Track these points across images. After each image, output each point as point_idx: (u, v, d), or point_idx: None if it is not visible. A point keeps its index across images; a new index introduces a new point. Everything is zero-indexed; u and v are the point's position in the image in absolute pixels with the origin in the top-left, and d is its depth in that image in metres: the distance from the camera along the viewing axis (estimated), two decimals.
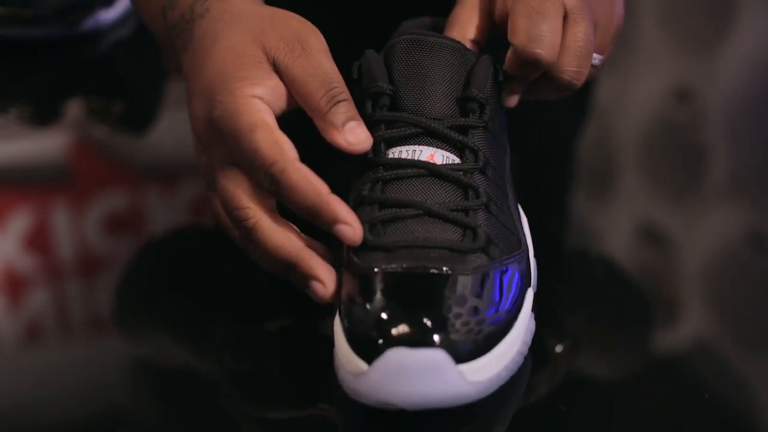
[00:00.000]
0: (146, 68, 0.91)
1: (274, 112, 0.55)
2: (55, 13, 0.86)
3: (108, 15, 0.90)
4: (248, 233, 0.54)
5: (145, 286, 0.66)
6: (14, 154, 0.80)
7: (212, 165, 0.56)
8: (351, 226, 0.52)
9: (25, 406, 0.56)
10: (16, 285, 0.66)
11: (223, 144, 0.55)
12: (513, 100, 0.59)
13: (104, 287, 0.67)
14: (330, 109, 0.54)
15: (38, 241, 0.69)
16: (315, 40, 0.56)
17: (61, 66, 0.88)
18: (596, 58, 0.60)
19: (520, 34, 0.56)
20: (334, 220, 0.52)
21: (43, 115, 0.85)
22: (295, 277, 0.54)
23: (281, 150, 0.53)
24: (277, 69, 0.55)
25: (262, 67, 0.55)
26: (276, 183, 0.52)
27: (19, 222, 0.71)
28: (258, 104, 0.54)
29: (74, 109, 0.85)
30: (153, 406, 0.57)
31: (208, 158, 0.56)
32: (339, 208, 0.52)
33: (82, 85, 0.88)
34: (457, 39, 0.58)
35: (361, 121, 0.55)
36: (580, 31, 0.57)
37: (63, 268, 0.68)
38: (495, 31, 0.61)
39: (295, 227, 0.55)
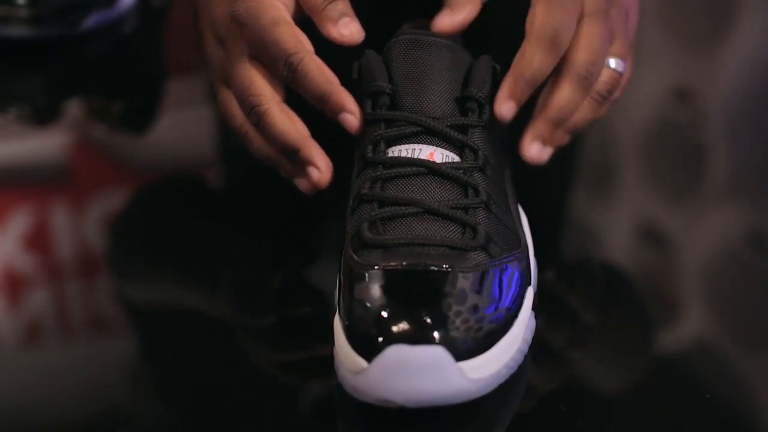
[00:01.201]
0: (146, 68, 0.91)
1: (290, 14, 0.60)
2: (55, 13, 0.86)
3: (108, 15, 0.90)
4: (259, 118, 0.59)
5: (145, 286, 0.66)
6: (14, 154, 0.80)
7: (230, 58, 0.61)
8: (354, 116, 0.57)
9: (25, 406, 0.56)
10: (16, 285, 0.66)
11: (243, 39, 0.59)
12: (510, 109, 0.58)
13: (104, 287, 0.67)
14: (326, 6, 0.59)
15: (38, 241, 0.69)
16: None
17: (61, 66, 0.88)
18: (619, 64, 0.61)
19: (539, 16, 0.57)
20: (341, 108, 0.57)
21: (43, 115, 0.85)
22: (293, 164, 0.59)
23: (300, 42, 0.58)
24: None
25: None
26: (294, 71, 0.58)
27: (19, 222, 0.71)
28: (278, 4, 0.59)
29: (74, 109, 0.85)
30: (153, 406, 0.57)
31: (225, 53, 0.61)
32: (347, 99, 0.57)
33: (82, 85, 0.88)
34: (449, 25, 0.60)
35: (355, 17, 0.59)
36: (594, 30, 0.58)
37: (63, 268, 0.68)
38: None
39: (299, 119, 0.59)
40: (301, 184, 0.60)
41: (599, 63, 0.59)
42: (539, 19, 0.57)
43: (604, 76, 0.60)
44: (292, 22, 0.59)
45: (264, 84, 0.59)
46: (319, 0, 0.59)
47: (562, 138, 0.61)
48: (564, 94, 0.58)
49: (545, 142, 0.60)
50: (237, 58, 0.60)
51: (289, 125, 0.59)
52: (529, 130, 0.59)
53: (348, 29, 0.59)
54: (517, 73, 0.57)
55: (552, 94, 0.59)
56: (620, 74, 0.61)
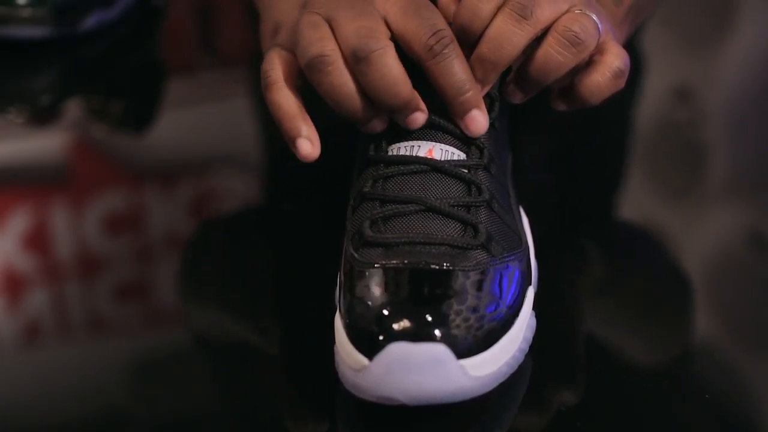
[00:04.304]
0: (146, 68, 0.91)
1: None
2: (55, 13, 0.86)
3: (108, 15, 0.90)
4: (368, 55, 0.54)
5: (145, 287, 0.66)
6: (14, 154, 0.80)
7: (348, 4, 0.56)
8: (484, 116, 0.55)
9: (25, 406, 0.56)
10: (16, 285, 0.66)
11: None
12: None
13: (103, 287, 0.67)
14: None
15: (37, 241, 0.69)
16: None
17: (61, 66, 0.88)
18: (587, 14, 0.57)
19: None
20: (474, 105, 0.55)
21: (43, 115, 0.85)
22: (389, 113, 0.55)
23: (446, 23, 0.55)
24: None
25: None
26: (436, 54, 0.54)
27: (19, 222, 0.71)
28: None
29: (74, 109, 0.86)
30: (153, 406, 0.57)
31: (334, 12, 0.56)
32: (480, 96, 0.55)
33: (82, 85, 0.88)
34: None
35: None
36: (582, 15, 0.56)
37: (62, 268, 0.68)
38: None
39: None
40: (375, 127, 0.56)
41: (588, 35, 0.55)
42: None
43: (566, 19, 0.56)
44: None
45: (383, 27, 0.55)
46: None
47: (524, 89, 0.58)
48: (495, 23, 0.55)
49: (478, 80, 0.56)
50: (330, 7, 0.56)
51: (403, 74, 0.54)
52: None
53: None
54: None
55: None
56: (588, 17, 0.56)
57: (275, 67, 0.58)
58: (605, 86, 0.58)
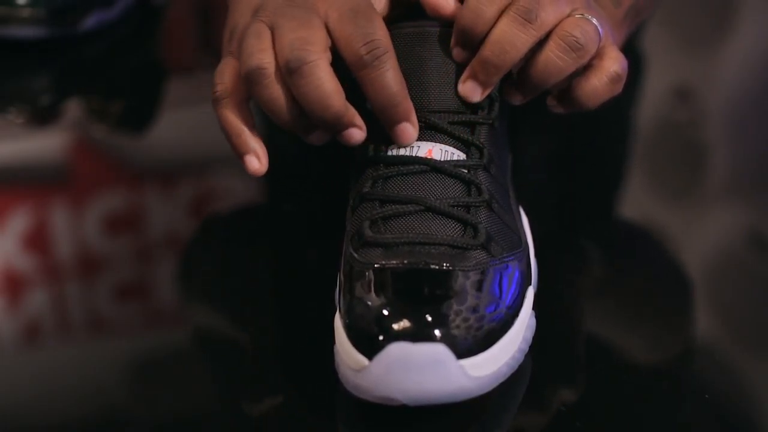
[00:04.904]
0: (146, 68, 0.91)
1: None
2: (55, 13, 0.86)
3: (108, 15, 0.90)
4: (298, 67, 0.53)
5: (144, 287, 0.66)
6: (14, 154, 0.80)
7: (287, 10, 0.55)
8: (414, 128, 0.55)
9: (25, 406, 0.56)
10: (16, 285, 0.66)
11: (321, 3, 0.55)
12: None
13: (103, 287, 0.67)
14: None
15: (37, 240, 0.69)
16: None
17: (61, 66, 0.88)
18: (586, 17, 0.57)
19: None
20: (405, 117, 0.54)
21: (43, 115, 0.85)
22: (327, 127, 0.55)
23: (388, 38, 0.54)
24: None
25: None
26: (374, 57, 0.53)
27: (19, 222, 0.71)
28: None
29: (73, 109, 0.86)
30: (152, 407, 0.57)
31: (264, 15, 0.56)
32: (412, 110, 0.54)
33: (82, 85, 0.88)
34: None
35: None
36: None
37: (62, 268, 0.68)
38: None
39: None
40: (315, 138, 0.57)
41: (588, 39, 0.55)
42: None
43: (568, 23, 0.55)
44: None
45: (321, 37, 0.54)
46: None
47: (531, 90, 0.58)
48: (499, 26, 0.55)
49: (480, 82, 0.56)
50: (304, 8, 0.55)
51: (335, 86, 0.53)
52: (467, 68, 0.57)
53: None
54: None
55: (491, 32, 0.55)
56: (589, 22, 0.56)
57: (224, 79, 0.57)
58: (602, 91, 0.58)
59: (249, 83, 0.55)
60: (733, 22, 0.99)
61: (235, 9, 0.60)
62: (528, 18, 0.54)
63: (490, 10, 0.55)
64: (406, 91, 0.54)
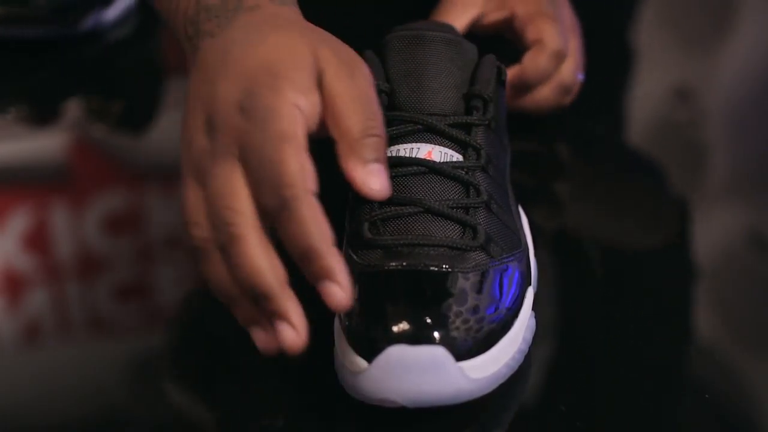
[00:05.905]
0: (146, 68, 0.91)
1: (307, 129, 0.49)
2: (54, 12, 0.86)
3: (108, 15, 0.90)
4: (230, 240, 0.47)
5: (144, 287, 0.66)
6: (14, 154, 0.80)
7: (215, 153, 0.49)
8: (342, 289, 0.46)
9: (25, 406, 0.56)
10: (16, 285, 0.66)
11: (244, 135, 0.48)
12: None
13: (103, 287, 0.67)
14: (362, 138, 0.49)
15: (37, 240, 0.69)
16: (365, 71, 0.51)
17: (61, 66, 0.88)
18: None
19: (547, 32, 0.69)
20: (327, 275, 0.46)
21: (43, 115, 0.85)
22: (256, 311, 0.48)
23: (303, 176, 0.47)
24: (321, 83, 0.50)
25: (311, 76, 0.49)
26: (283, 208, 0.46)
27: (19, 222, 0.71)
28: (297, 114, 0.48)
29: (73, 109, 0.85)
30: (152, 407, 0.57)
31: (211, 144, 0.49)
32: (337, 265, 0.46)
33: (82, 85, 0.88)
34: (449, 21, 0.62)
35: (387, 167, 0.50)
36: (577, 46, 0.73)
37: (62, 268, 0.68)
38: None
39: (278, 257, 0.48)
40: (259, 338, 0.49)
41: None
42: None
43: (568, 73, 0.72)
44: (303, 144, 0.48)
45: (248, 201, 0.47)
46: (356, 127, 0.49)
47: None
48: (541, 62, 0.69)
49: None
50: (224, 155, 0.48)
51: (266, 263, 0.47)
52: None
53: (377, 180, 0.49)
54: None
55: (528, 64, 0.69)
56: (580, 67, 0.73)
57: (199, 218, 0.49)
58: (553, 101, 0.71)
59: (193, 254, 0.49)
60: (733, 22, 0.99)
61: (188, 111, 0.52)
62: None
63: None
64: (330, 243, 0.46)
